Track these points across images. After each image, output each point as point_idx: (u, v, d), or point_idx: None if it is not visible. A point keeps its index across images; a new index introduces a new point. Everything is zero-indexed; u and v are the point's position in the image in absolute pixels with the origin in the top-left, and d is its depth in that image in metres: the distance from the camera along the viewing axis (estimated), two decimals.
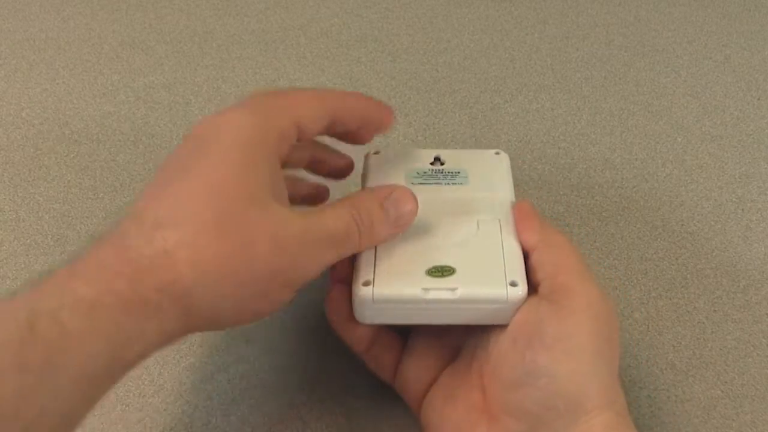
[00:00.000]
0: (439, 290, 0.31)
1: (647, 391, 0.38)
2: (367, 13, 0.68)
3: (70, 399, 0.24)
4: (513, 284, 0.31)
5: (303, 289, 0.30)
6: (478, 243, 0.33)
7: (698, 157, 0.53)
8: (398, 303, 0.31)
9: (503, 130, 0.55)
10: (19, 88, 0.58)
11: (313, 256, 0.30)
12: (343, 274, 0.33)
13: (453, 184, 0.36)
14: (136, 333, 0.26)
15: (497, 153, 0.39)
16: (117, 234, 0.27)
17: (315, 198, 0.40)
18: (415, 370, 0.34)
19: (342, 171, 0.40)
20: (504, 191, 0.36)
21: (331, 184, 0.41)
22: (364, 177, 0.37)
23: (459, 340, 0.35)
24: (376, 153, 0.38)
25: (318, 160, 0.39)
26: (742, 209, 0.49)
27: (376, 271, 0.32)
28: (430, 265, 0.32)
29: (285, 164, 0.32)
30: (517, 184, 0.38)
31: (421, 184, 0.36)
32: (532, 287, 0.32)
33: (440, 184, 0.36)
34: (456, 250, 0.33)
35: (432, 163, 0.38)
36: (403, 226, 0.32)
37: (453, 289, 0.31)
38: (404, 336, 0.36)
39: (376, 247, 0.33)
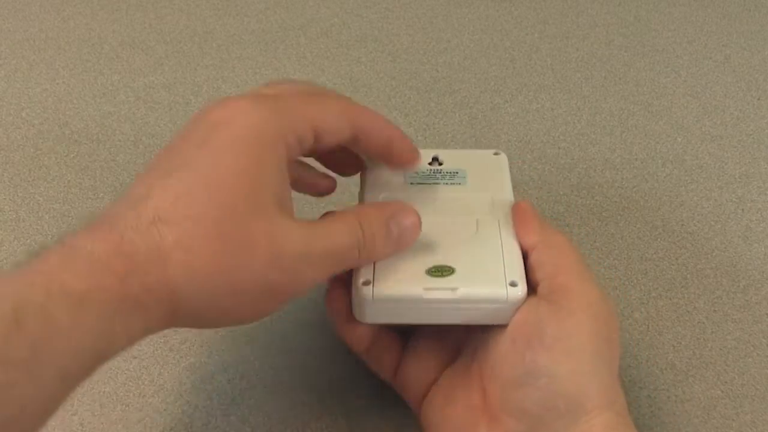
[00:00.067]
0: (439, 290, 0.31)
1: (647, 391, 0.38)
2: (367, 13, 0.68)
3: (52, 393, 0.24)
4: (513, 284, 0.31)
5: None
6: (478, 243, 0.33)
7: (698, 157, 0.53)
8: (398, 302, 0.31)
9: (503, 130, 0.55)
10: (19, 88, 0.58)
11: (311, 274, 0.29)
12: (343, 273, 0.33)
13: (451, 184, 0.36)
14: (121, 329, 0.25)
15: (496, 153, 0.39)
16: (114, 219, 0.26)
17: (320, 189, 0.38)
18: (416, 371, 0.34)
19: (323, 191, 0.38)
20: (503, 191, 0.36)
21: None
22: (363, 176, 0.37)
23: (459, 341, 0.35)
24: None
25: (297, 178, 0.35)
26: (742, 209, 0.49)
27: (375, 271, 0.32)
28: (430, 264, 0.32)
29: None
30: (517, 184, 0.38)
31: (419, 183, 0.36)
32: (532, 287, 0.32)
33: (439, 184, 0.36)
34: (455, 250, 0.33)
35: (430, 163, 0.38)
36: (404, 247, 0.32)
37: (453, 289, 0.31)
38: (404, 336, 0.36)
39: None
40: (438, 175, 0.37)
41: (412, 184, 0.36)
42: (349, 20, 0.67)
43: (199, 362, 0.39)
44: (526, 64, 0.62)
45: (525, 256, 0.33)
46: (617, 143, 0.54)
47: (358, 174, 0.38)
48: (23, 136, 0.54)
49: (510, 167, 0.38)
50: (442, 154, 0.38)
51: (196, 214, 0.26)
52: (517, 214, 0.34)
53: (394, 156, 0.34)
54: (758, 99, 0.58)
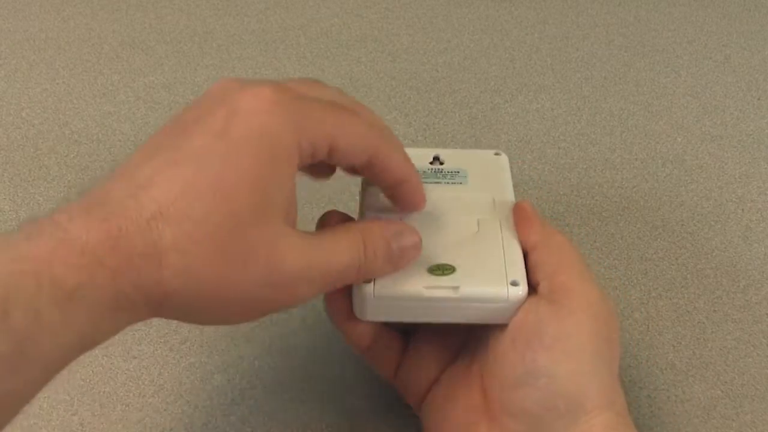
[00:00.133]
0: (440, 288, 0.31)
1: (647, 391, 0.38)
2: (367, 13, 0.68)
3: (33, 385, 0.24)
4: (514, 284, 0.31)
5: None
6: (479, 242, 0.33)
7: (698, 157, 0.53)
8: (399, 300, 0.31)
9: (503, 130, 0.55)
10: (19, 88, 0.58)
11: (306, 291, 0.29)
12: None
13: (452, 183, 0.36)
14: (108, 324, 0.25)
15: (497, 154, 0.39)
16: (112, 203, 0.25)
17: (320, 171, 0.35)
18: (416, 370, 0.34)
19: (322, 177, 0.36)
20: (503, 191, 0.36)
21: (332, 181, 0.41)
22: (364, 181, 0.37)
23: (460, 341, 0.35)
24: None
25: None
26: (742, 209, 0.49)
27: None
28: (431, 263, 0.32)
29: None
30: (517, 184, 0.38)
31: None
32: (532, 287, 0.32)
33: (439, 183, 0.36)
34: (456, 249, 0.33)
35: (431, 163, 0.38)
36: (403, 266, 0.31)
37: (454, 288, 0.31)
38: (405, 335, 0.36)
39: None
40: (439, 175, 0.37)
41: None
42: (349, 20, 0.67)
43: (199, 362, 0.39)
44: (526, 64, 0.62)
45: (525, 256, 0.33)
46: (617, 143, 0.54)
47: (359, 174, 0.38)
48: (23, 136, 0.54)
49: (510, 167, 0.38)
50: (443, 154, 0.38)
51: (199, 216, 0.26)
52: (518, 214, 0.34)
53: (401, 198, 0.33)
54: (758, 99, 0.58)
